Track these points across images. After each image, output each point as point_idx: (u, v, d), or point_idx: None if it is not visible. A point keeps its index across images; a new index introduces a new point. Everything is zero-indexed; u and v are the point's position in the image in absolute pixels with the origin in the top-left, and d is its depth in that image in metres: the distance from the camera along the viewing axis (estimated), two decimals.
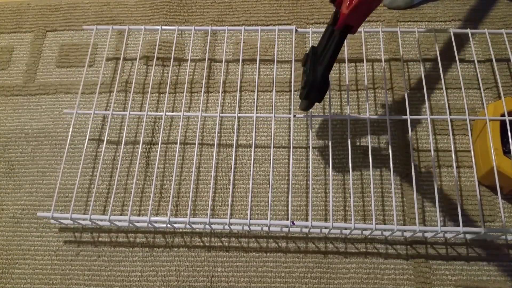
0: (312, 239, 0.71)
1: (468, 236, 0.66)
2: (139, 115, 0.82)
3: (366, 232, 0.68)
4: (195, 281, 0.69)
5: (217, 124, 0.78)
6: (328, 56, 0.60)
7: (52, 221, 0.70)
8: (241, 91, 0.83)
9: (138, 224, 0.70)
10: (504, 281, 0.67)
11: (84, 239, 0.73)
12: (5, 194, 0.78)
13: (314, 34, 0.83)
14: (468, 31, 0.77)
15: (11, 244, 0.74)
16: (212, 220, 0.65)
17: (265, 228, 0.69)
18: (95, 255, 0.72)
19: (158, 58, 0.86)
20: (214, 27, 0.84)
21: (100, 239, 0.73)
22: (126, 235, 0.73)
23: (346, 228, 0.66)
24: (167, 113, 0.76)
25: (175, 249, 0.72)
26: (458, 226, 0.63)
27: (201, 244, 0.72)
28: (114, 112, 0.76)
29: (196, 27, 0.82)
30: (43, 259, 0.72)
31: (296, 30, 0.79)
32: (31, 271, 0.72)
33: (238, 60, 0.85)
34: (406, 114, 0.70)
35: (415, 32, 0.78)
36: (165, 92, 0.83)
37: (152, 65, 0.85)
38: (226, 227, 0.69)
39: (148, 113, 0.77)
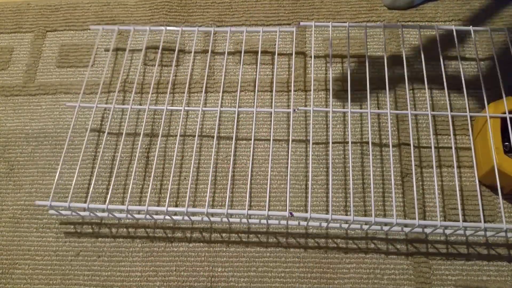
0: (312, 236, 0.71)
1: (468, 233, 0.66)
2: (140, 109, 0.82)
3: (366, 227, 0.67)
4: (195, 281, 0.69)
5: (217, 119, 0.77)
6: None
7: (50, 211, 0.70)
8: (241, 91, 0.83)
9: (137, 216, 0.69)
10: (504, 281, 0.67)
11: (84, 238, 0.73)
12: (5, 194, 0.78)
13: (316, 29, 0.83)
14: (471, 28, 0.77)
15: (11, 244, 0.74)
16: (210, 210, 0.65)
17: (264, 221, 0.69)
18: (95, 255, 0.72)
19: (158, 58, 0.86)
20: (217, 28, 0.84)
21: (100, 238, 0.73)
22: (127, 233, 0.73)
23: (345, 221, 0.65)
24: (168, 107, 0.76)
25: (175, 249, 0.72)
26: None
27: (201, 244, 0.72)
28: (116, 106, 0.75)
29: (200, 28, 0.83)
30: (43, 259, 0.72)
31: (298, 24, 0.79)
32: (31, 271, 0.72)
33: (238, 60, 0.85)
34: (407, 110, 0.70)
35: (417, 30, 0.77)
36: (164, 92, 0.83)
37: (151, 65, 0.85)
38: (225, 219, 0.68)
39: (150, 106, 0.76)
